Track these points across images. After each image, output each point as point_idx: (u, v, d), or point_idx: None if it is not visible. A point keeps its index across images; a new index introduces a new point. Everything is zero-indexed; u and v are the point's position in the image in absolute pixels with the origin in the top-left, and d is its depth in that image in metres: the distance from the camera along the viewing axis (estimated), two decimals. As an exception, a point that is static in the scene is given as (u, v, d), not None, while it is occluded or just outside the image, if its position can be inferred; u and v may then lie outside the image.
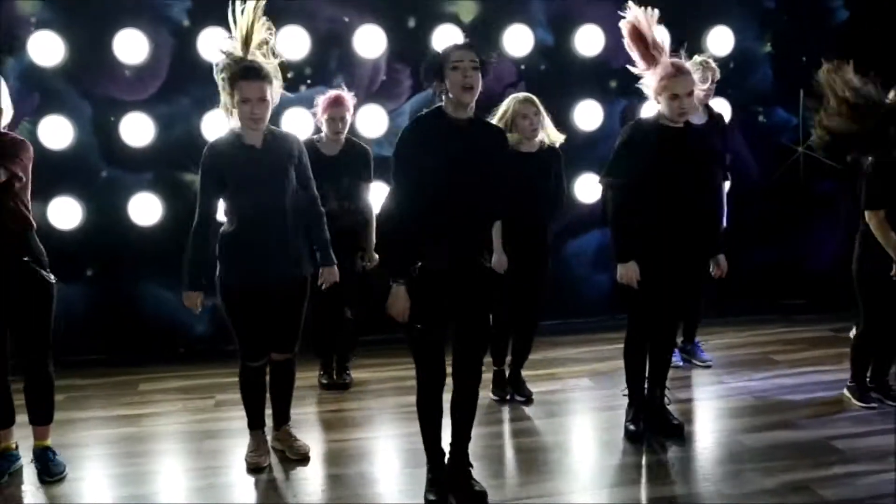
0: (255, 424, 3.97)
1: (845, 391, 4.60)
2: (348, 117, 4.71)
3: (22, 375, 3.80)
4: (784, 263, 6.33)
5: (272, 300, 3.73)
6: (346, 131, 4.73)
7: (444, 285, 3.34)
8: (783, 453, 3.95)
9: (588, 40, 5.76)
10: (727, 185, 5.16)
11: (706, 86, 4.64)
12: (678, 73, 3.82)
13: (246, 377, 3.90)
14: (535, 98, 4.37)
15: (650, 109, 4.81)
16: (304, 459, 3.96)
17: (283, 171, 3.69)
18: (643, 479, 3.81)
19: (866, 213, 4.23)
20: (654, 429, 4.18)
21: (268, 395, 4.01)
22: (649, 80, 3.88)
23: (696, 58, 4.72)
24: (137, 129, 5.24)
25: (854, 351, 4.57)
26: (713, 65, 4.78)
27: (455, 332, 3.45)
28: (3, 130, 3.65)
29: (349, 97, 4.73)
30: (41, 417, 3.84)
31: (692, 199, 3.91)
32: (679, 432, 4.15)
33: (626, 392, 4.24)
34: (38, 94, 5.15)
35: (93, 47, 5.14)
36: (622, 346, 4.20)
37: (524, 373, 4.82)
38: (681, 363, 5.22)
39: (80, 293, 5.39)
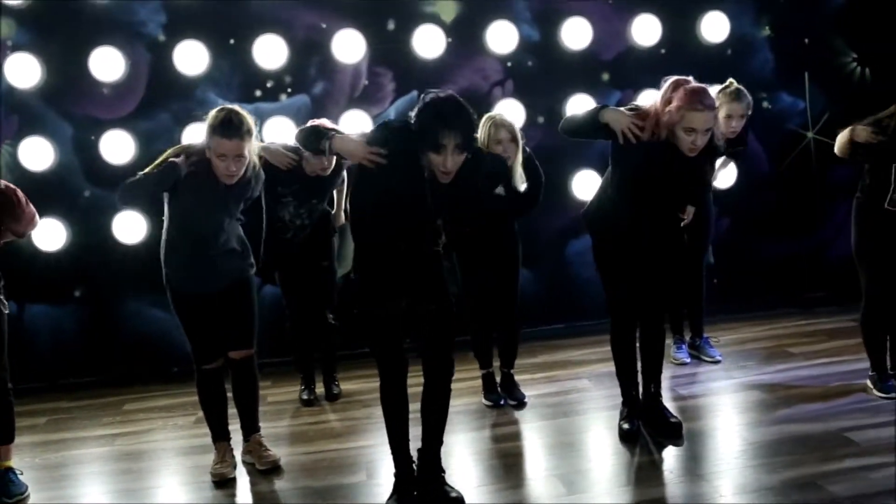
0: (219, 436, 3.82)
1: (868, 381, 4.30)
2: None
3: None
4: (802, 255, 6.03)
5: (219, 300, 3.64)
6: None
7: (389, 265, 3.21)
8: (791, 448, 3.69)
9: (575, 33, 5.55)
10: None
11: (742, 121, 4.51)
12: (701, 105, 3.40)
13: (202, 383, 3.77)
14: (508, 123, 4.18)
15: (647, 99, 4.61)
16: (273, 469, 3.78)
17: (236, 207, 3.67)
18: (632, 482, 3.54)
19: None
20: (650, 428, 3.94)
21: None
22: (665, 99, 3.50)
23: (733, 84, 4.49)
24: (118, 147, 5.15)
25: (864, 335, 4.30)
26: (749, 99, 4.53)
27: (418, 327, 3.29)
28: None
29: None
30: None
31: (662, 197, 3.72)
32: (677, 431, 3.89)
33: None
34: (16, 116, 5.10)
35: (69, 67, 5.09)
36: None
37: (520, 377, 4.62)
38: (688, 360, 4.98)
39: (69, 315, 5.29)
